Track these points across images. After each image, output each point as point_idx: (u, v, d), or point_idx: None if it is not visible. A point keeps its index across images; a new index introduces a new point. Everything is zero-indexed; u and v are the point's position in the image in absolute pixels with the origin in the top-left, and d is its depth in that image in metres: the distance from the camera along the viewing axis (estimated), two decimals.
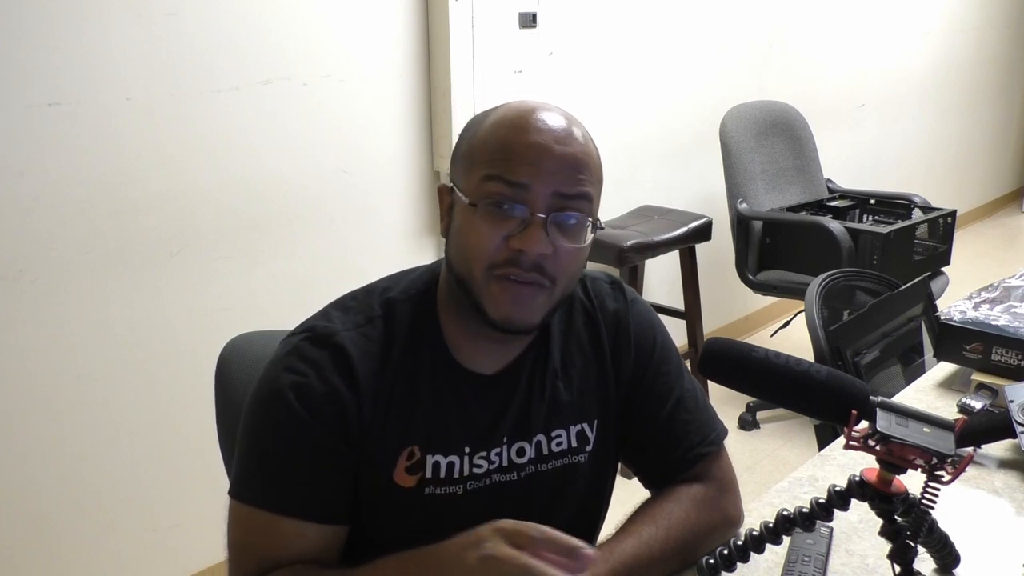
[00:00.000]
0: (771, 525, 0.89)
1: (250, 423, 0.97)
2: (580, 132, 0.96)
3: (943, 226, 3.17)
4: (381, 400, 0.97)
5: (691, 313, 3.04)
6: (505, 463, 1.02)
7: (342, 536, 0.98)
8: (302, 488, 0.94)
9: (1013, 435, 1.24)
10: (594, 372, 1.08)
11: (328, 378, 0.94)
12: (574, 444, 1.06)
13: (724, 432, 1.13)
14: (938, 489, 0.81)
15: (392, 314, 1.00)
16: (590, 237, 0.96)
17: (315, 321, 1.00)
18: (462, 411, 1.00)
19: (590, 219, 0.95)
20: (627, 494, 1.14)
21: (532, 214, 0.91)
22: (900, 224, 3.02)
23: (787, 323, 3.08)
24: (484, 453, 1.01)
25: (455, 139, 1.02)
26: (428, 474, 0.98)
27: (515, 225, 0.92)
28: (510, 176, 0.91)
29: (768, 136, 3.34)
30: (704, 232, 2.92)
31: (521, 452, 1.03)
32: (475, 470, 1.01)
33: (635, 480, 1.13)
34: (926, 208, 3.25)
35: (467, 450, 1.00)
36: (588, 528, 1.14)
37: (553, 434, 1.05)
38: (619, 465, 1.15)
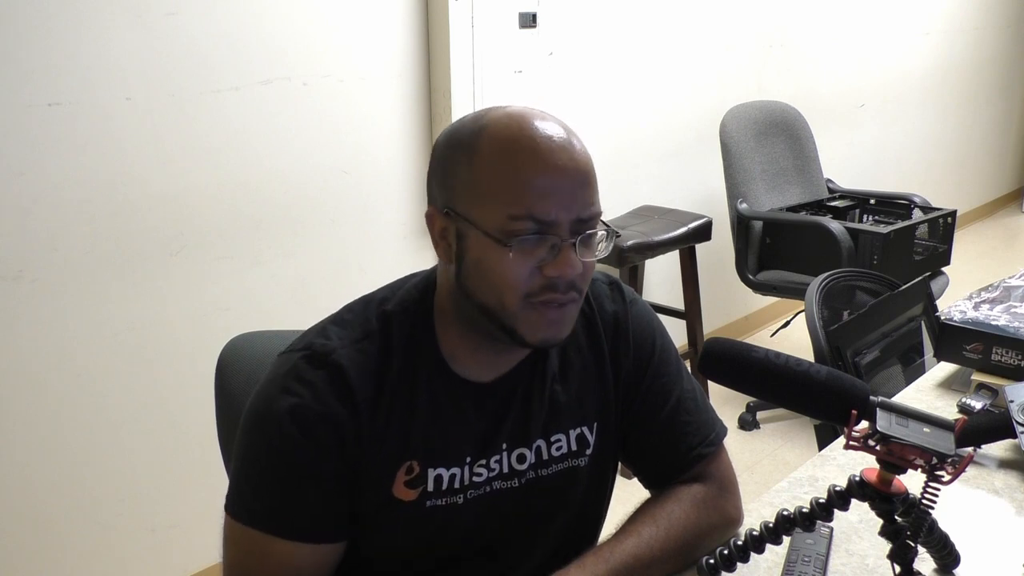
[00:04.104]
0: (771, 525, 0.89)
1: (245, 441, 0.96)
2: (577, 141, 0.94)
3: (943, 226, 3.17)
4: (379, 416, 0.95)
5: (691, 313, 3.04)
6: (506, 470, 1.02)
7: (337, 553, 0.97)
8: (295, 510, 0.93)
9: (1013, 435, 1.24)
10: (593, 374, 1.07)
11: (324, 399, 0.93)
12: (574, 448, 1.06)
13: (724, 432, 1.13)
14: (938, 489, 0.81)
15: (389, 327, 0.98)
16: (610, 246, 0.97)
17: (312, 338, 0.98)
18: (461, 421, 0.99)
19: (608, 231, 0.95)
20: (627, 494, 1.14)
21: (562, 241, 0.91)
22: (900, 224, 3.02)
23: (787, 323, 3.08)
24: (484, 461, 1.00)
25: None
26: (430, 487, 0.98)
27: (545, 252, 0.91)
28: (540, 215, 0.89)
29: (768, 136, 3.34)
30: (704, 232, 2.92)
31: (521, 458, 1.02)
32: (475, 478, 1.00)
33: (635, 480, 1.13)
34: (926, 208, 3.25)
35: (468, 460, 0.99)
36: (588, 530, 1.14)
37: (553, 438, 1.04)
38: (619, 465, 1.15)
